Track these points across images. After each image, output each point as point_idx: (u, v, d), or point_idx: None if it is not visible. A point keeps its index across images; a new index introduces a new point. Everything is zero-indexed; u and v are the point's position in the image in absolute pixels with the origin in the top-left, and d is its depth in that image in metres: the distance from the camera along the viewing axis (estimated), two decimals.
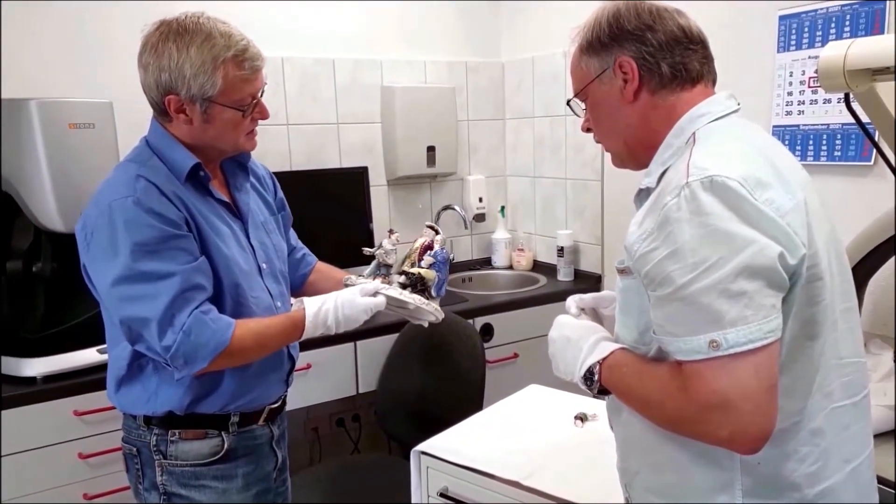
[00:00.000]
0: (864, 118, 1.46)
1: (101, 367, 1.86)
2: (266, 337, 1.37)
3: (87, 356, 1.88)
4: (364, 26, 2.82)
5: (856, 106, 1.44)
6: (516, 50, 3.14)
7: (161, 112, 1.32)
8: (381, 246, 1.58)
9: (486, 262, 3.23)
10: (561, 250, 2.89)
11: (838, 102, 1.91)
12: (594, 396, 1.06)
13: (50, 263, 1.89)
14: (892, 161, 1.47)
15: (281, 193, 1.62)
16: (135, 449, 1.40)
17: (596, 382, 1.02)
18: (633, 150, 1.07)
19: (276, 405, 1.50)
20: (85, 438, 1.86)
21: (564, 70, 2.87)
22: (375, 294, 1.45)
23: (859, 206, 1.85)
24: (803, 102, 2.04)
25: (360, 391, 2.41)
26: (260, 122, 1.34)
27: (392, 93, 2.84)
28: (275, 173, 2.59)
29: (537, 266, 3.12)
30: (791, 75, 2.06)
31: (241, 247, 1.40)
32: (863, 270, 1.51)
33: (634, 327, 1.01)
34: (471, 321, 2.46)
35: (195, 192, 1.33)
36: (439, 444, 1.57)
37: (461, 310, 2.50)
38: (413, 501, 1.58)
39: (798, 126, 2.05)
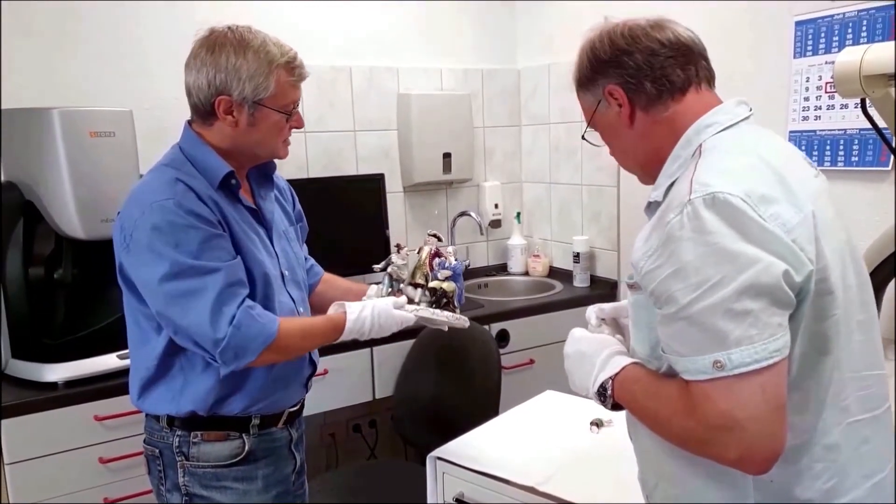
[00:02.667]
0: (881, 123, 1.46)
1: (122, 373, 1.90)
2: (310, 334, 1.43)
3: (108, 361, 1.91)
4: (381, 34, 2.85)
5: (872, 111, 1.43)
6: (532, 57, 3.14)
7: (206, 114, 1.36)
8: (391, 261, 1.58)
9: (502, 268, 3.23)
10: (577, 256, 2.89)
11: (855, 107, 1.90)
12: (611, 409, 1.05)
13: (71, 270, 1.92)
14: None
15: (299, 206, 1.67)
16: (157, 451, 1.43)
17: (609, 398, 1.02)
18: (646, 168, 1.07)
19: (294, 409, 1.53)
20: (105, 443, 1.89)
21: None
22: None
23: (876, 211, 1.84)
24: (820, 108, 2.03)
25: (377, 397, 2.42)
26: None
27: (408, 100, 2.86)
28: (292, 180, 2.63)
29: (553, 272, 3.12)
30: (808, 80, 2.05)
31: (268, 252, 1.44)
32: (880, 276, 1.49)
33: (646, 342, 1.01)
34: (486, 327, 2.46)
35: (226, 198, 1.37)
36: (455, 449, 1.58)
37: (477, 315, 2.50)
38: None
39: (815, 131, 2.04)
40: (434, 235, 1.61)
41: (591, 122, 1.10)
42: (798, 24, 2.06)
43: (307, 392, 1.57)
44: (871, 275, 1.43)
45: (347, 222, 2.67)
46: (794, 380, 0.89)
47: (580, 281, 2.90)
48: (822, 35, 2.00)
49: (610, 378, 1.02)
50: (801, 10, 2.05)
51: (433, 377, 2.34)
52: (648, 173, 1.07)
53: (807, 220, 0.88)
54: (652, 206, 1.02)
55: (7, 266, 1.85)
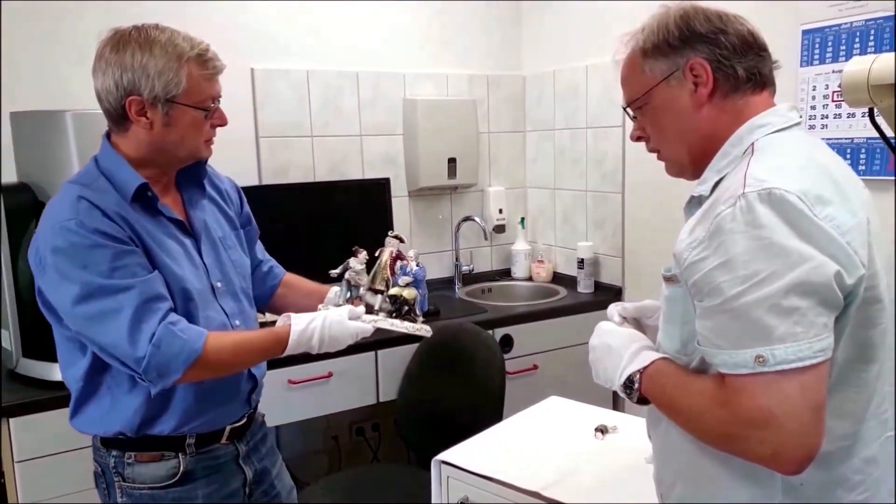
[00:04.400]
0: (889, 133, 1.46)
1: None
2: (244, 349, 1.35)
3: None
4: (387, 40, 2.86)
5: (880, 120, 1.43)
6: (537, 63, 3.15)
7: (119, 118, 1.29)
8: (348, 266, 1.49)
9: (506, 274, 3.23)
10: (581, 262, 2.90)
11: (862, 117, 1.90)
12: (636, 403, 1.04)
13: None
14: None
15: (247, 208, 1.60)
16: (99, 468, 1.40)
17: (636, 391, 1.01)
18: (696, 157, 1.04)
19: (239, 424, 1.45)
20: None
21: (586, 83, 2.89)
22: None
23: (882, 220, 1.84)
24: (827, 116, 2.03)
25: (381, 400, 2.43)
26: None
27: (414, 105, 2.87)
28: (298, 184, 2.66)
29: (557, 278, 3.12)
30: (814, 89, 2.06)
31: (193, 265, 1.38)
32: None
33: (678, 337, 0.99)
34: (490, 332, 2.47)
35: (143, 211, 1.31)
36: (460, 453, 1.58)
37: (481, 320, 2.51)
38: None
39: (822, 140, 2.04)
40: (396, 237, 1.52)
41: (647, 94, 1.04)
42: (805, 32, 2.06)
43: (253, 407, 1.51)
44: None
45: (352, 227, 2.68)
46: (835, 385, 0.89)
47: (584, 287, 2.90)
48: (830, 44, 2.01)
49: (638, 371, 1.01)
50: (808, 18, 2.05)
51: (437, 381, 2.35)
52: (694, 163, 1.04)
53: (861, 226, 0.88)
54: (694, 201, 1.01)
55: (19, 266, 1.85)
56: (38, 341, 1.90)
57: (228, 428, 1.42)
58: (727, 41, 0.98)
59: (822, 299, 0.83)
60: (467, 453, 1.58)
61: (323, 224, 2.58)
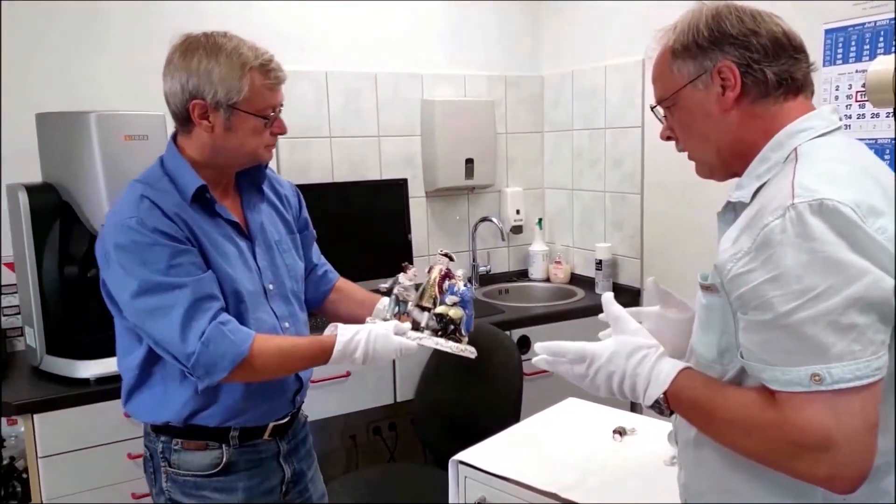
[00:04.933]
0: None
1: None
2: (290, 356, 1.38)
3: None
4: (405, 41, 2.87)
5: None
6: (556, 64, 3.15)
7: (183, 121, 1.34)
8: (397, 282, 1.50)
9: (524, 275, 3.23)
10: (599, 263, 2.89)
11: (887, 116, 1.88)
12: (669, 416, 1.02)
13: None
14: None
15: (306, 213, 1.63)
16: (149, 453, 1.46)
17: (666, 409, 0.98)
18: (726, 159, 1.00)
19: (283, 421, 1.49)
20: (134, 439, 1.90)
21: (604, 83, 2.88)
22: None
23: None
24: (850, 116, 2.01)
25: (398, 400, 2.44)
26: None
27: (432, 106, 2.88)
28: (317, 185, 2.67)
29: (575, 279, 3.11)
30: (837, 89, 2.04)
31: (246, 267, 1.41)
32: None
33: (715, 346, 0.96)
34: (508, 333, 2.46)
35: (202, 212, 1.36)
36: (478, 453, 1.58)
37: (498, 321, 2.51)
38: None
39: (862, 143, 2.02)
40: (446, 255, 1.53)
41: (675, 95, 1.01)
42: (828, 32, 2.04)
43: (297, 407, 1.54)
44: None
45: (370, 226, 2.70)
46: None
47: (602, 288, 2.89)
48: (853, 43, 1.99)
49: (663, 393, 0.97)
50: (831, 17, 2.04)
51: (454, 382, 2.35)
52: (724, 165, 1.01)
53: None
54: (732, 207, 0.98)
55: (44, 265, 1.89)
56: (62, 339, 1.94)
57: (272, 425, 1.46)
58: (759, 43, 0.94)
59: (881, 315, 0.80)
60: (485, 454, 1.58)
61: (341, 224, 2.59)
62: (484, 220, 3.05)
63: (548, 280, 3.15)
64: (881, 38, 1.93)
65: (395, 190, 2.81)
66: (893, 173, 0.94)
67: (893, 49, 1.89)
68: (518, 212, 3.18)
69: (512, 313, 2.64)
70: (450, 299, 1.46)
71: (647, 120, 2.71)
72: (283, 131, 1.40)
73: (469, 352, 1.47)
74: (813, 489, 0.87)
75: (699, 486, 1.05)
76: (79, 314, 1.95)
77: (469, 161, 2.95)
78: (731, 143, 0.99)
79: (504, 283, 3.14)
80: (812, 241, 0.81)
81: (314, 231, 1.66)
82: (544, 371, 2.78)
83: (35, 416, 1.81)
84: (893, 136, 1.90)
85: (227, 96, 1.29)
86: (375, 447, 2.86)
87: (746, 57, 0.95)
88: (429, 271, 1.51)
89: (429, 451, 2.66)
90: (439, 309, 1.47)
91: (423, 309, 1.48)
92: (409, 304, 1.49)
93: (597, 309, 2.86)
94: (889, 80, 1.29)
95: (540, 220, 3.20)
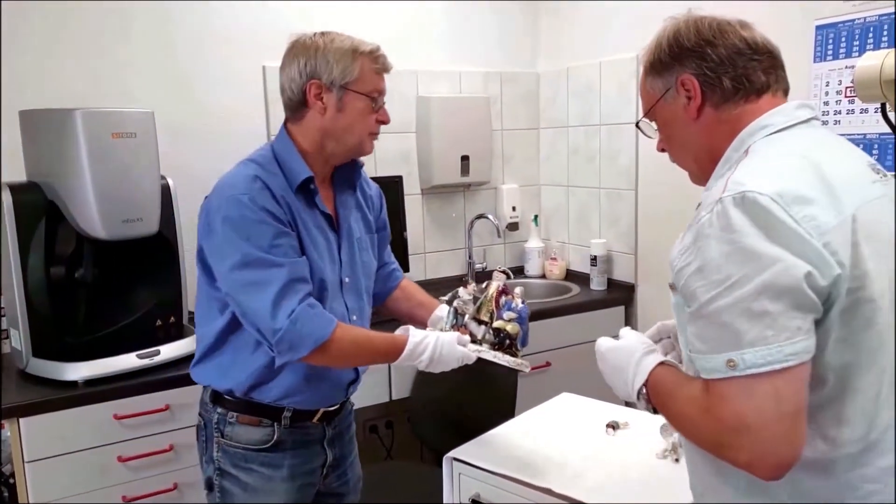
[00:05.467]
0: None
1: (141, 372, 1.93)
2: (364, 347, 1.46)
3: (128, 361, 1.92)
4: (401, 37, 2.85)
5: (893, 116, 1.41)
6: (552, 60, 3.14)
7: (297, 105, 1.45)
8: (457, 295, 1.58)
9: (519, 271, 3.22)
10: (594, 259, 2.88)
11: (875, 112, 1.88)
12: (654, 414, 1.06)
13: (92, 270, 1.94)
14: None
15: (385, 215, 1.72)
16: (203, 422, 1.54)
17: (648, 402, 1.03)
18: (704, 165, 1.04)
19: (332, 408, 1.57)
20: (124, 442, 1.90)
21: (599, 80, 2.87)
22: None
23: None
24: (840, 112, 2.01)
25: (394, 398, 2.43)
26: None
27: (428, 102, 2.87)
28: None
29: (570, 275, 3.11)
30: (828, 85, 2.03)
31: (331, 259, 1.50)
32: None
33: (685, 344, 0.99)
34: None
35: (303, 201, 1.45)
36: (472, 450, 1.58)
37: None
38: None
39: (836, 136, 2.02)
40: (503, 272, 1.60)
41: (651, 110, 1.08)
42: (819, 28, 2.04)
43: (349, 396, 1.62)
44: None
45: None
46: (836, 391, 0.87)
47: (597, 284, 2.89)
48: (843, 39, 1.98)
49: (643, 384, 1.02)
50: (822, 14, 2.03)
51: (450, 379, 2.32)
52: (703, 172, 1.05)
53: (844, 224, 0.85)
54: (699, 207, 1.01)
55: (29, 265, 1.86)
56: (49, 341, 1.92)
57: (322, 410, 1.54)
58: (714, 53, 0.99)
59: (795, 302, 0.82)
60: (479, 450, 1.58)
61: None
62: (480, 217, 3.05)
63: (543, 276, 3.15)
64: (871, 35, 1.93)
65: (391, 187, 2.79)
66: (857, 165, 0.97)
67: (883, 45, 1.89)
68: (514, 208, 3.17)
69: None
70: (507, 315, 1.53)
71: (641, 116, 2.70)
72: (386, 120, 1.50)
73: (524, 366, 1.53)
74: (779, 484, 0.88)
75: (697, 485, 1.06)
76: (66, 315, 1.94)
77: (465, 158, 2.94)
78: (705, 149, 1.03)
79: None
80: (732, 232, 0.84)
81: (390, 232, 1.76)
82: (540, 367, 2.79)
83: (21, 419, 1.78)
84: (882, 132, 1.89)
85: (341, 76, 1.41)
86: (372, 446, 2.86)
87: (703, 67, 0.99)
88: (486, 286, 1.58)
89: (426, 448, 2.65)
90: (497, 323, 1.53)
91: (480, 322, 1.55)
92: (467, 316, 1.55)
93: (591, 305, 2.87)
94: (877, 76, 1.29)
95: (536, 216, 3.20)
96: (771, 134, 0.97)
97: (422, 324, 1.63)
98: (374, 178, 2.77)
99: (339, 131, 1.45)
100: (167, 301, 2.11)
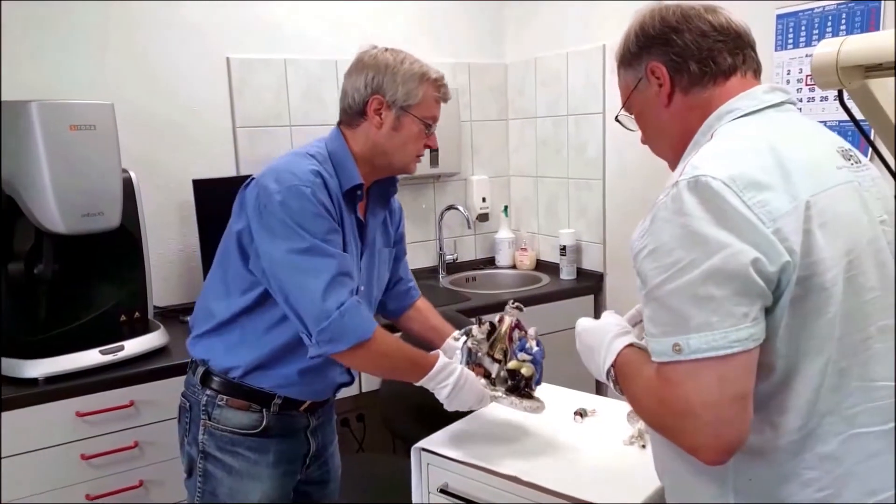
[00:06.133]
0: (859, 115, 1.46)
1: (104, 368, 1.90)
2: (399, 354, 1.47)
3: (90, 357, 1.89)
4: (367, 29, 2.83)
5: (850, 103, 1.44)
6: (520, 51, 3.14)
7: (355, 114, 1.48)
8: (470, 333, 1.58)
9: (490, 262, 3.23)
10: (563, 249, 2.90)
11: (834, 100, 1.91)
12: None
13: (51, 265, 1.90)
14: (889, 158, 1.47)
15: (403, 230, 1.75)
16: (188, 404, 1.54)
17: (617, 384, 1.04)
18: (679, 153, 1.04)
19: (319, 401, 1.61)
20: (87, 439, 1.87)
21: (567, 70, 2.88)
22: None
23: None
24: (801, 100, 2.04)
25: (363, 391, 2.42)
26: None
27: None
28: None
29: (540, 265, 3.12)
30: (788, 73, 2.06)
31: (356, 265, 1.53)
32: None
33: None
34: (473, 320, 2.46)
35: (347, 204, 1.48)
36: (440, 440, 1.58)
37: (464, 308, 2.50)
38: (413, 498, 1.59)
39: (806, 120, 2.05)
40: (517, 307, 1.59)
41: (628, 101, 1.09)
42: (779, 17, 2.07)
43: (335, 394, 1.66)
44: None
45: None
46: (780, 378, 0.87)
47: (567, 274, 2.91)
48: (803, 28, 2.01)
49: (612, 366, 1.03)
50: (782, 2, 2.06)
51: None
52: (679, 159, 1.04)
53: (797, 210, 0.85)
54: None
55: None
56: (8, 338, 1.88)
57: (309, 402, 1.57)
58: (679, 39, 1.00)
59: (741, 288, 0.82)
60: (447, 440, 1.58)
61: None
62: (450, 208, 3.04)
63: (514, 267, 3.16)
64: (829, 23, 1.96)
65: None
66: (825, 150, 0.97)
67: (842, 33, 1.92)
68: (484, 200, 3.18)
69: (478, 300, 2.65)
70: (521, 356, 1.52)
71: (608, 106, 2.72)
72: (434, 146, 1.55)
73: (540, 409, 1.54)
74: (723, 472, 0.90)
75: (659, 470, 1.07)
76: (25, 312, 1.90)
77: (434, 149, 2.93)
78: (678, 136, 1.03)
79: (471, 270, 3.14)
80: (684, 216, 0.85)
81: (406, 247, 1.79)
82: None
83: None
84: (841, 119, 1.92)
85: (404, 98, 1.46)
86: (344, 439, 2.83)
87: (670, 53, 1.00)
88: (499, 321, 1.58)
89: (398, 440, 2.65)
90: (511, 365, 1.53)
91: (495, 360, 1.55)
92: (480, 354, 1.56)
93: (561, 294, 2.89)
94: (833, 63, 1.30)
95: (506, 207, 3.21)
96: (737, 118, 0.97)
97: (432, 349, 1.63)
98: None
99: (389, 149, 1.49)
100: (131, 296, 2.08)
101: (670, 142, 1.06)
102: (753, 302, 0.83)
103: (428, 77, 1.48)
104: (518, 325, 1.57)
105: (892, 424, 0.92)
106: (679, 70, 1.00)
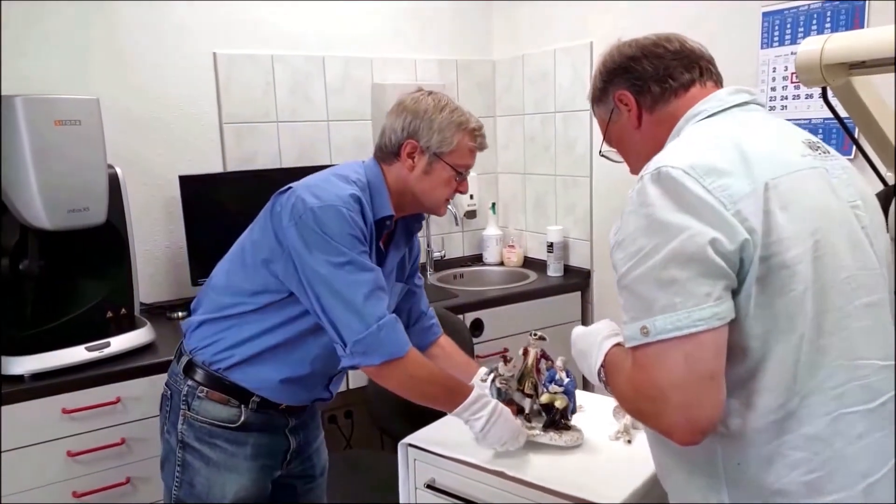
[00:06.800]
0: (843, 113, 1.48)
1: (90, 365, 1.89)
2: (433, 379, 1.45)
3: (76, 354, 1.88)
4: (355, 24, 2.83)
5: (834, 101, 1.45)
6: (507, 48, 3.15)
7: (390, 153, 1.51)
8: (497, 373, 1.56)
9: (478, 259, 3.24)
10: (551, 246, 2.91)
11: (820, 97, 1.93)
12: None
13: (37, 261, 1.89)
14: (872, 155, 1.49)
15: (417, 265, 1.76)
16: (170, 392, 1.55)
17: (607, 384, 1.07)
18: None
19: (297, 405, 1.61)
20: (74, 436, 1.86)
21: (554, 67, 2.89)
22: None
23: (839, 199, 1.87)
24: (786, 97, 2.06)
25: (351, 387, 2.42)
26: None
27: (383, 90, 2.85)
28: (266, 171, 2.64)
29: (528, 262, 3.13)
30: (774, 71, 2.08)
31: None
32: None
33: None
34: (461, 316, 2.47)
35: (375, 232, 1.50)
36: (426, 436, 1.58)
37: (452, 305, 2.51)
38: (400, 494, 1.60)
39: (770, 118, 2.07)
40: (540, 338, 1.57)
41: (607, 133, 1.16)
42: (765, 14, 2.08)
43: (313, 404, 1.66)
44: None
45: None
46: (759, 359, 0.88)
47: (554, 270, 2.92)
48: (788, 26, 2.03)
49: (601, 366, 1.06)
50: (768, 1, 2.07)
51: None
52: None
53: (756, 192, 0.87)
54: None
55: None
56: None
57: (286, 405, 1.57)
58: (638, 66, 1.08)
59: (702, 268, 0.84)
60: (434, 436, 1.58)
61: None
62: None
63: (501, 264, 3.17)
64: (815, 21, 1.98)
65: None
66: (789, 140, 1.00)
67: (827, 30, 1.94)
68: (472, 196, 3.17)
69: (466, 297, 2.65)
70: (553, 388, 1.50)
71: None
72: (465, 191, 1.57)
73: (578, 440, 1.51)
74: (711, 461, 0.93)
75: (658, 472, 1.09)
76: (10, 309, 1.89)
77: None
78: (654, 151, 1.06)
79: (459, 267, 3.14)
80: (647, 206, 0.89)
81: (423, 282, 1.79)
82: (497, 353, 2.81)
83: None
84: (825, 117, 1.94)
85: (438, 145, 1.48)
86: (332, 436, 2.84)
87: (631, 79, 1.09)
88: (524, 354, 1.57)
89: (386, 437, 2.65)
90: (544, 399, 1.50)
91: (525, 395, 1.54)
92: (510, 390, 1.55)
93: (548, 291, 2.90)
94: (817, 60, 1.32)
95: (494, 204, 3.21)
96: (703, 119, 1.02)
97: None
98: (329, 167, 2.78)
99: (419, 191, 1.51)
100: (117, 292, 2.06)
101: (647, 160, 1.08)
102: (716, 282, 0.85)
103: (465, 127, 1.50)
104: (544, 356, 1.57)
105: (875, 404, 0.92)
106: (642, 92, 1.08)
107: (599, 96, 1.15)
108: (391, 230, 1.57)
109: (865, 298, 0.93)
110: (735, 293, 0.87)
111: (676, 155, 0.91)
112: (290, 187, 1.46)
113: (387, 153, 1.52)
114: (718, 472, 0.94)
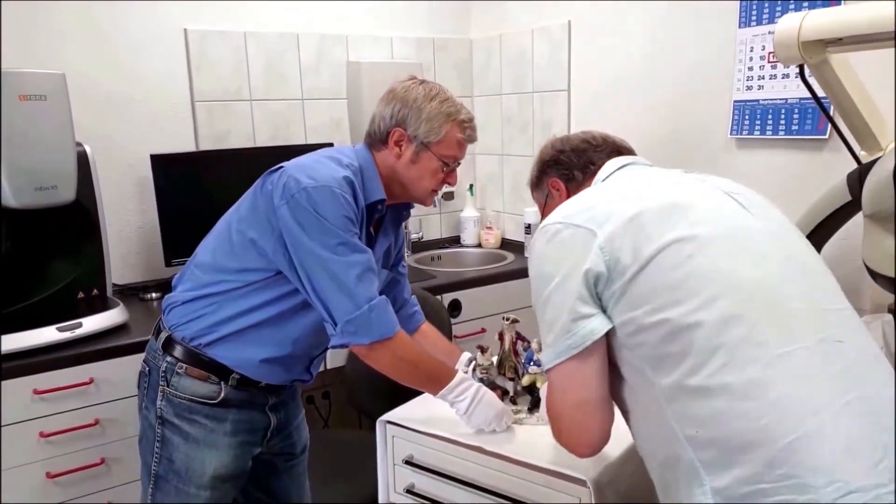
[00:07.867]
0: (819, 91, 1.49)
1: (61, 346, 1.86)
2: (420, 361, 1.47)
3: (46, 334, 1.85)
4: (329, 1, 2.79)
5: (811, 80, 1.46)
6: (485, 27, 3.12)
7: (379, 140, 1.52)
8: (477, 364, 1.58)
9: (455, 241, 3.23)
10: (528, 227, 2.91)
11: (795, 77, 1.94)
12: None
13: (4, 241, 1.85)
14: (848, 134, 1.50)
15: (402, 253, 1.76)
16: (148, 369, 1.54)
17: None
18: None
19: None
20: (46, 417, 1.83)
21: (532, 47, 2.88)
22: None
23: (815, 178, 1.89)
24: (763, 77, 2.07)
25: (328, 367, 2.41)
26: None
27: (358, 68, 2.80)
28: (239, 150, 2.60)
29: (505, 244, 3.14)
30: (752, 50, 2.09)
31: None
32: (815, 240, 1.54)
33: None
34: (439, 297, 2.47)
35: (366, 217, 1.50)
36: (404, 413, 1.59)
37: (430, 286, 2.51)
38: (379, 469, 1.60)
39: (758, 101, 2.08)
40: (513, 321, 1.60)
41: (544, 213, 1.31)
42: None
43: (292, 385, 1.66)
44: (811, 234, 1.48)
45: None
46: (665, 337, 0.95)
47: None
48: (766, 5, 2.03)
49: None
50: None
51: None
52: None
53: (623, 215, 1.02)
54: None
55: None
56: None
57: (266, 383, 1.57)
58: (564, 157, 1.29)
59: (570, 305, 1.01)
60: (412, 412, 1.59)
61: None
62: None
63: (479, 245, 3.17)
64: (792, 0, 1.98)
65: None
66: (662, 182, 1.14)
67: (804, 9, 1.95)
68: None
69: (443, 278, 2.65)
70: (533, 369, 1.53)
71: (573, 84, 2.73)
72: (453, 182, 1.57)
73: None
74: (674, 434, 0.96)
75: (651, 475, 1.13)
76: None
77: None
78: None
79: (436, 249, 3.13)
80: (535, 258, 1.09)
81: (406, 266, 1.78)
82: (475, 333, 2.81)
83: None
84: (802, 96, 1.96)
85: (425, 134, 1.48)
86: (310, 416, 2.82)
87: (560, 169, 1.30)
88: (500, 339, 1.60)
89: (364, 416, 2.65)
90: (525, 380, 1.55)
91: (508, 379, 1.58)
92: (492, 376, 1.57)
93: (525, 272, 2.89)
94: (795, 37, 1.33)
95: (471, 185, 3.20)
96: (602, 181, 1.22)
97: None
98: (303, 146, 2.75)
99: (405, 180, 1.52)
100: (89, 273, 2.03)
101: None
102: (584, 308, 1.01)
103: (455, 118, 1.50)
104: (520, 337, 1.59)
105: (811, 341, 0.93)
106: (569, 179, 1.28)
107: (536, 183, 1.34)
108: (382, 215, 1.57)
109: (783, 252, 1.05)
110: (616, 312, 1.01)
111: (558, 212, 1.08)
112: (281, 167, 1.45)
113: (375, 140, 1.52)
114: (680, 440, 0.95)
